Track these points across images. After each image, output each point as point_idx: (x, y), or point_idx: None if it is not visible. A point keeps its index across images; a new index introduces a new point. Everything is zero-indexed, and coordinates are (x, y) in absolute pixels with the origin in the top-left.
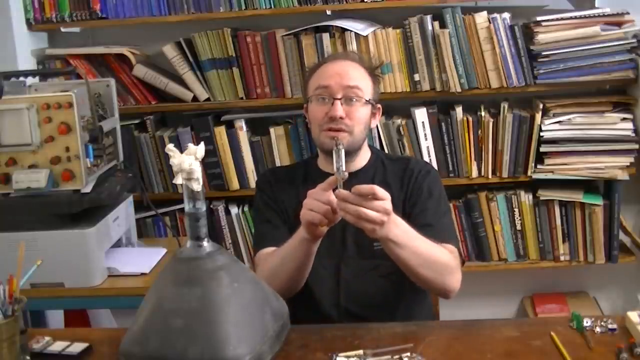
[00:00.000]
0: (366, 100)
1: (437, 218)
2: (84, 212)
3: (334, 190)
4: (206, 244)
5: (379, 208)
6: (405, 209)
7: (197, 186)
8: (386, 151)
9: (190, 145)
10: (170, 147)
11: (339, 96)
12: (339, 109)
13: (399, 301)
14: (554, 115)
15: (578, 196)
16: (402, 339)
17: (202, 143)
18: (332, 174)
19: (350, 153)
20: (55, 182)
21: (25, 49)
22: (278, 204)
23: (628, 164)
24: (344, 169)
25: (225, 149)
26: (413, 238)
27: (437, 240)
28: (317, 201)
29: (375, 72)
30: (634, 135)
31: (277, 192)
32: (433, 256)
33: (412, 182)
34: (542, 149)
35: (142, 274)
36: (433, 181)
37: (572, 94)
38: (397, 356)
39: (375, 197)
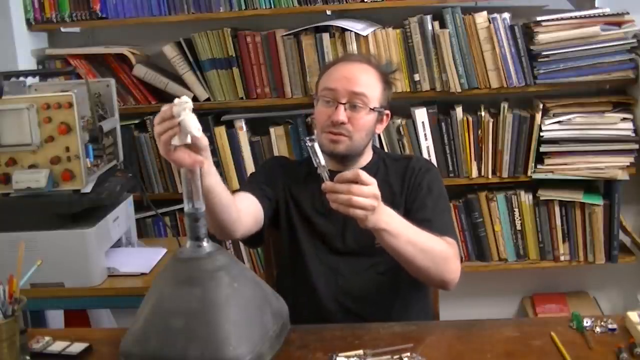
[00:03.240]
0: (371, 109)
1: (436, 214)
2: (84, 212)
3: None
4: (206, 244)
5: (368, 193)
6: (407, 205)
7: (198, 132)
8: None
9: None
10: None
11: (344, 101)
12: (341, 114)
13: (396, 299)
14: (554, 115)
15: (578, 196)
16: (402, 339)
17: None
18: (336, 172)
19: (350, 157)
20: (55, 182)
21: (25, 49)
22: (272, 184)
23: (628, 164)
24: (323, 164)
25: (225, 149)
26: (406, 227)
27: (435, 234)
28: (161, 119)
29: (389, 77)
30: (634, 135)
31: (277, 176)
32: (428, 245)
33: (413, 179)
34: (542, 149)
35: (142, 274)
36: (433, 179)
37: (572, 94)
38: (397, 356)
39: (361, 182)
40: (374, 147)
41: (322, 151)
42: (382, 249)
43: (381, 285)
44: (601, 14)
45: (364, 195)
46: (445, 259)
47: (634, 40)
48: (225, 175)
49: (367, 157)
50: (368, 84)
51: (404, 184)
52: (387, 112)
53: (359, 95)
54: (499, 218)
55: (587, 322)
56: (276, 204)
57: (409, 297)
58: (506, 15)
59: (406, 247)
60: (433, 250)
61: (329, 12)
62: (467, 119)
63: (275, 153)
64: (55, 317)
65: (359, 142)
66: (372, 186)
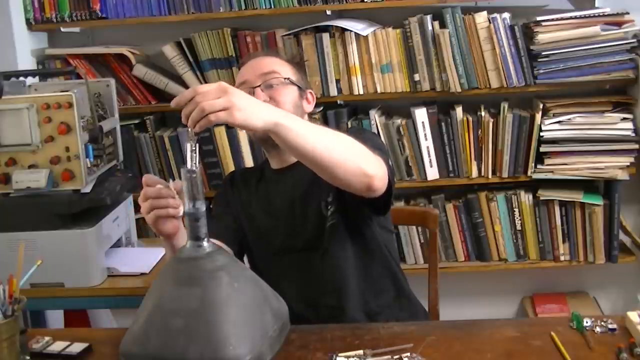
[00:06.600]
0: (286, 78)
1: (361, 140)
2: (84, 212)
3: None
4: (206, 244)
5: (212, 91)
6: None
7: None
8: None
9: None
10: None
11: (258, 83)
12: (260, 95)
13: (365, 283)
14: (554, 115)
15: (578, 196)
16: (402, 339)
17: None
18: (279, 169)
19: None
20: (55, 182)
21: (25, 49)
22: (229, 206)
23: (628, 164)
24: (194, 169)
25: (225, 149)
26: (302, 120)
27: None
28: (151, 199)
29: (294, 60)
30: (634, 135)
31: (231, 195)
32: (338, 136)
33: None
34: (542, 149)
35: (142, 274)
36: (361, 132)
37: (572, 94)
38: (397, 356)
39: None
40: None
41: (256, 140)
42: (335, 240)
43: (343, 273)
44: (601, 14)
45: (210, 96)
46: (363, 151)
47: (634, 40)
48: (225, 175)
49: None
50: (273, 62)
51: None
52: (310, 90)
53: (269, 73)
54: (499, 218)
55: (587, 322)
56: (239, 227)
57: (379, 281)
58: (506, 15)
59: (312, 139)
60: (346, 141)
61: (329, 12)
62: (467, 119)
63: None
64: (55, 317)
65: None
66: (213, 85)
